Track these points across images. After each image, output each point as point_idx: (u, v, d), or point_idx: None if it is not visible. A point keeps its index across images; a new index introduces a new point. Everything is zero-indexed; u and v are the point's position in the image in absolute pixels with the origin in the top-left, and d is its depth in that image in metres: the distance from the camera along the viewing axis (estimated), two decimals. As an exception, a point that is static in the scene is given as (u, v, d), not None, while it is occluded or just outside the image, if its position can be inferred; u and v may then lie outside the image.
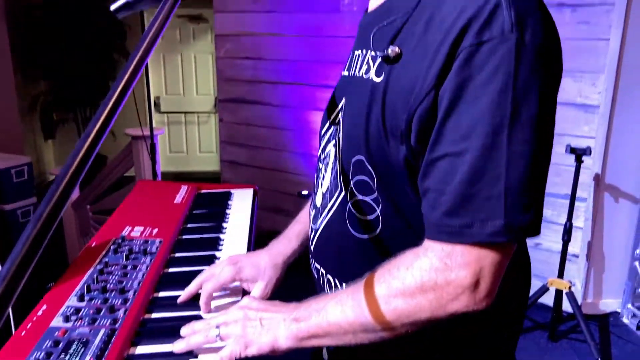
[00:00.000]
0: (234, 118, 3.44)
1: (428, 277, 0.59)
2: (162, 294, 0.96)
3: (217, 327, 0.73)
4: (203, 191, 1.48)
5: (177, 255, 1.11)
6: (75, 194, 2.99)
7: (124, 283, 0.93)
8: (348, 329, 0.65)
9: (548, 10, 0.61)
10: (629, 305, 2.64)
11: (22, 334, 0.77)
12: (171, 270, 1.05)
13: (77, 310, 0.84)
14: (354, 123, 0.71)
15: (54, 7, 4.91)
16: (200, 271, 1.03)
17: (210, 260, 1.08)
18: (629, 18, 2.20)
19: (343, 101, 0.78)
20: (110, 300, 0.87)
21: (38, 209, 0.41)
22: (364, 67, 0.73)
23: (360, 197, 0.72)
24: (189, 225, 1.26)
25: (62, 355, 0.73)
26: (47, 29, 4.91)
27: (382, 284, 0.63)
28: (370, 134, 0.67)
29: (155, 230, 1.17)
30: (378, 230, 0.71)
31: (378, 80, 0.67)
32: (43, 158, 5.54)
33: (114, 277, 0.96)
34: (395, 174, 0.66)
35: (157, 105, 5.51)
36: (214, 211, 1.33)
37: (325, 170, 0.82)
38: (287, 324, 0.69)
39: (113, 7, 0.70)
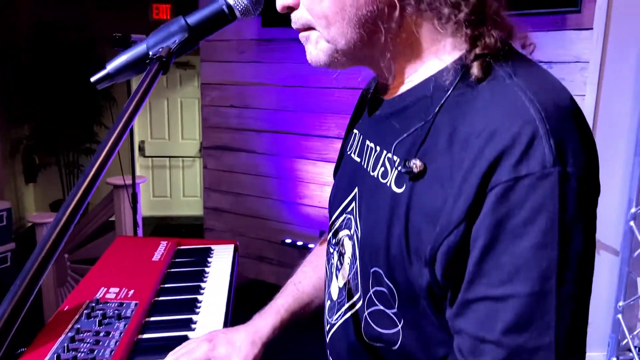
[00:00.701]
0: (218, 165, 3.44)
1: None
2: (134, 363, 0.92)
3: None
4: (182, 247, 1.46)
5: (152, 319, 1.08)
6: (54, 242, 2.92)
7: (96, 352, 0.90)
8: None
9: (583, 115, 0.57)
10: (614, 359, 2.61)
11: (-17, 413, 0.73)
12: (145, 336, 1.01)
13: (44, 384, 0.81)
14: (373, 233, 0.67)
15: (42, 52, 4.95)
16: (175, 337, 1.00)
17: (186, 324, 1.05)
18: (603, 75, 2.28)
19: (356, 191, 0.74)
20: (79, 372, 0.84)
21: (17, 278, 0.39)
22: (380, 169, 0.68)
23: (380, 307, 0.68)
24: (167, 285, 1.23)
25: None
26: (34, 73, 4.93)
27: None
28: (391, 251, 0.63)
29: (131, 292, 1.14)
30: (397, 345, 0.68)
31: (398, 191, 0.63)
32: (23, 201, 5.45)
33: (85, 345, 0.92)
34: (417, 294, 0.62)
35: (141, 149, 5.51)
36: (192, 270, 1.31)
37: (341, 263, 0.78)
38: None
39: (93, 78, 0.70)
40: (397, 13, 0.61)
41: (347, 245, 0.76)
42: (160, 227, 5.31)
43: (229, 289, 1.23)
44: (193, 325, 1.05)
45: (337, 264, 0.80)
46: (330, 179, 3.09)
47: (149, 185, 5.56)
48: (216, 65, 3.36)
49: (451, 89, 0.60)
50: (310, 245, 3.05)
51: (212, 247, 1.46)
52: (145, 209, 5.58)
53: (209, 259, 1.38)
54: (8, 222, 3.99)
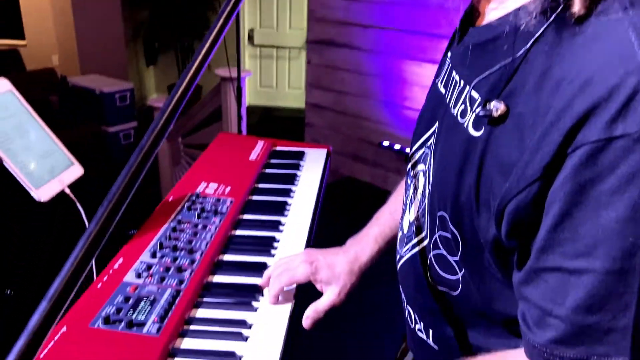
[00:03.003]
0: (321, 60, 3.40)
1: None
2: (227, 257, 1.02)
3: None
4: (278, 149, 1.51)
5: (245, 217, 1.16)
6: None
7: (193, 243, 1.00)
8: None
9: None
10: None
11: (99, 286, 0.86)
12: (238, 232, 1.10)
13: (149, 266, 0.92)
14: (444, 177, 0.63)
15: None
16: (264, 237, 1.08)
17: (275, 225, 1.12)
18: None
19: (436, 126, 0.70)
20: (179, 260, 0.94)
21: (140, 143, 0.44)
22: (461, 107, 0.63)
23: (443, 252, 0.66)
24: (260, 186, 1.30)
25: (130, 312, 0.81)
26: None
27: None
28: (459, 198, 0.59)
29: (228, 189, 1.22)
30: (458, 292, 0.66)
31: (475, 134, 0.57)
32: (144, 84, 5.88)
33: (185, 235, 1.02)
34: (482, 247, 0.58)
35: (250, 38, 5.57)
36: (285, 172, 1.36)
37: (414, 197, 0.76)
38: None
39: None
40: None
41: (421, 181, 0.74)
42: (264, 118, 5.50)
43: (317, 195, 1.27)
44: (281, 227, 1.12)
45: (411, 197, 0.78)
46: (435, 83, 2.96)
47: (256, 75, 5.70)
48: (326, -47, 3.19)
49: (550, 20, 0.50)
50: (408, 150, 3.01)
51: (306, 150, 1.50)
52: (252, 98, 5.79)
53: (302, 163, 1.42)
54: (131, 102, 4.36)
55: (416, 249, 0.74)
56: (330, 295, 0.90)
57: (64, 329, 0.76)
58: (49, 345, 0.72)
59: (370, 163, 3.28)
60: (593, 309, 0.48)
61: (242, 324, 0.83)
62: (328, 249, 0.95)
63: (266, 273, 0.92)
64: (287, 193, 1.26)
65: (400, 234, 0.82)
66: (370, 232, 0.96)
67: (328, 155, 1.49)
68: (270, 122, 5.41)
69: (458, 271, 0.65)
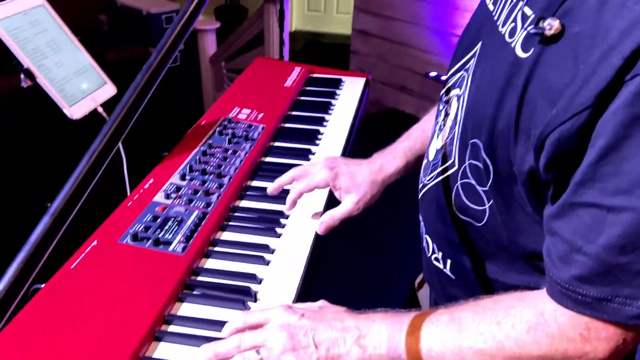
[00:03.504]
0: (371, -17, 3.23)
1: (558, 345, 0.52)
2: (255, 183, 1.02)
3: (258, 352, 0.62)
4: (314, 75, 1.47)
5: (276, 144, 1.15)
6: (212, 49, 3.14)
7: (222, 168, 1.00)
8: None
9: None
10: None
11: (129, 204, 0.88)
12: (267, 159, 1.10)
13: (178, 188, 0.93)
14: (482, 101, 0.59)
15: None
16: (293, 165, 1.07)
17: (305, 154, 1.11)
18: None
19: (479, 46, 0.65)
20: (207, 184, 0.95)
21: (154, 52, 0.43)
22: (510, 25, 0.57)
23: (472, 181, 0.63)
24: (293, 113, 1.28)
25: (158, 230, 0.83)
26: None
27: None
28: (497, 125, 0.55)
29: (261, 115, 1.21)
30: (482, 223, 0.64)
31: (523, 56, 0.53)
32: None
33: (214, 159, 1.03)
34: (515, 178, 0.56)
35: (299, -43, 5.33)
36: (319, 101, 1.33)
37: (444, 123, 0.72)
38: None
39: None
40: None
41: (453, 107, 0.69)
42: (310, 44, 5.36)
43: (351, 125, 1.24)
44: (311, 156, 1.11)
45: (441, 124, 0.74)
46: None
47: (304, -3, 5.50)
48: None
49: None
50: (455, 82, 2.88)
51: (343, 78, 1.45)
52: (299, 23, 5.62)
53: (338, 91, 1.38)
54: (177, 24, 4.32)
55: (441, 177, 0.71)
56: (348, 204, 0.87)
57: (95, 242, 0.79)
58: (80, 257, 0.76)
59: (415, 94, 3.17)
60: (626, 249, 0.45)
61: (265, 248, 0.84)
62: (352, 158, 0.92)
63: (286, 175, 0.89)
64: (321, 122, 1.24)
65: (425, 161, 0.79)
66: (399, 146, 0.92)
67: (367, 84, 1.44)
68: (315, 47, 5.27)
69: (486, 202, 0.62)
